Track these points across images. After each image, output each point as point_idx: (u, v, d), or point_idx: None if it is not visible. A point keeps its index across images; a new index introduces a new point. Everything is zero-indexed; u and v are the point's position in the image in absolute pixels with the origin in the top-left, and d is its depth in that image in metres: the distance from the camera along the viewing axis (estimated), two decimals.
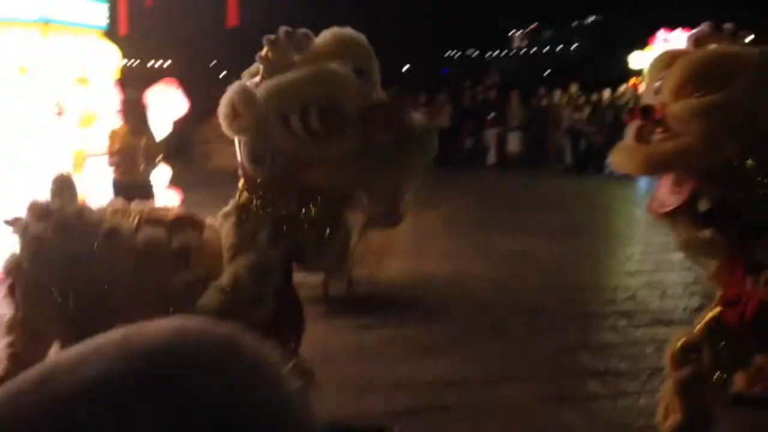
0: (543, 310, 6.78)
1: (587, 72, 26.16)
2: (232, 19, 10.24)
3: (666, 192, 3.79)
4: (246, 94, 3.12)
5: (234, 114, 3.13)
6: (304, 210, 3.23)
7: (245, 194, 3.38)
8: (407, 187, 3.35)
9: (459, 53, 60.38)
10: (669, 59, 3.78)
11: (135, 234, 3.42)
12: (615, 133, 16.60)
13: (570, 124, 17.87)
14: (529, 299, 7.08)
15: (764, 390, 4.46)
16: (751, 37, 3.96)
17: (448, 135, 16.58)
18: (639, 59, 17.74)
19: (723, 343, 3.85)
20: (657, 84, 3.76)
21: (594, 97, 17.67)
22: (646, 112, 3.72)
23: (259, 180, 3.28)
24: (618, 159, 3.93)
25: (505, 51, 50.21)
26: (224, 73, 22.28)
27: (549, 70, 35.97)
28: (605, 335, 6.12)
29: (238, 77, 3.38)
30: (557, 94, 18.68)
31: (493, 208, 11.61)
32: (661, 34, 16.22)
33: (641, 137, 3.74)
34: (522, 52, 50.03)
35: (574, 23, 51.61)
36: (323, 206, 3.24)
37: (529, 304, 6.91)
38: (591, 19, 51.26)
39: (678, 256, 8.31)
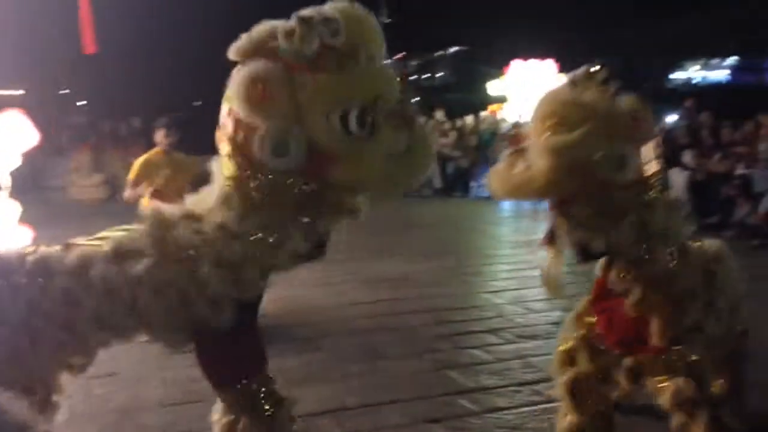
0: (416, 331, 6.89)
1: (452, 99, 26.93)
2: (89, 45, 9.91)
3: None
4: (286, 78, 2.92)
5: (263, 95, 2.90)
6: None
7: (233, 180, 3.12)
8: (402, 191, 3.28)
9: None
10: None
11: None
12: (479, 157, 17.29)
13: (437, 149, 18.25)
14: (403, 321, 7.18)
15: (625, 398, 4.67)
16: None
17: None
18: (497, 87, 18.41)
19: (596, 346, 4.18)
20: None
21: (458, 123, 18.21)
22: (516, 140, 4.00)
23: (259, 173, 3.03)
24: (488, 182, 4.11)
25: None
26: (83, 102, 21.49)
27: (416, 98, 36.68)
28: (475, 353, 6.27)
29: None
30: (423, 120, 19.06)
31: (366, 233, 11.67)
32: (516, 63, 16.91)
33: (509, 162, 3.93)
34: None
35: (438, 53, 52.97)
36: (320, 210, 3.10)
37: (403, 326, 7.02)
38: (454, 49, 52.77)
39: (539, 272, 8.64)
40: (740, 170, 12.48)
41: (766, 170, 11.52)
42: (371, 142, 2.97)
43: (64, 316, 3.14)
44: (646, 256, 3.81)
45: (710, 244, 4.37)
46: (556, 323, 5.98)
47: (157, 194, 7.28)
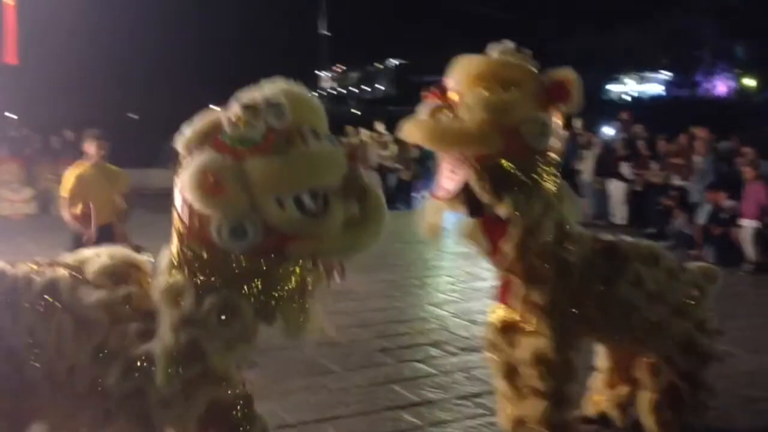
0: (358, 345, 6.78)
1: (393, 111, 26.99)
2: (10, 56, 9.59)
3: (445, 178, 4.24)
4: (236, 167, 2.96)
5: (215, 187, 2.93)
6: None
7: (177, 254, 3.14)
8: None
9: None
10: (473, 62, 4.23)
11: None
12: (420, 170, 17.30)
13: (378, 161, 18.28)
14: (345, 335, 7.03)
15: None
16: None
17: None
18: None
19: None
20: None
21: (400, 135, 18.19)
22: (443, 91, 4.18)
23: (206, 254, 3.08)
24: (409, 129, 4.24)
25: (313, 92, 51.06)
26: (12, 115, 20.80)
27: (356, 110, 36.78)
28: (418, 366, 6.19)
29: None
30: (364, 133, 19.07)
31: None
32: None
33: (433, 115, 4.15)
34: (329, 92, 51.01)
35: (379, 65, 53.25)
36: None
37: (344, 341, 6.88)
38: (394, 62, 53.16)
39: (483, 284, 8.65)
40: (676, 181, 12.72)
41: (700, 183, 11.73)
42: (326, 218, 3.05)
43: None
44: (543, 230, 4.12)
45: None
46: None
47: (88, 209, 7.06)
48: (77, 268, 3.27)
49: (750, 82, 57.10)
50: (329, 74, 51.56)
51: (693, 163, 12.24)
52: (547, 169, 4.17)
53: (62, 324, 3.09)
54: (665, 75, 62.81)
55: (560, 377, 4.29)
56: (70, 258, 3.39)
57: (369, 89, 53.15)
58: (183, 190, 3.06)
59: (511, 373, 4.50)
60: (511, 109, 4.01)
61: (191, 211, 3.09)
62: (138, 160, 22.12)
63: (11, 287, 3.15)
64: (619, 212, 14.73)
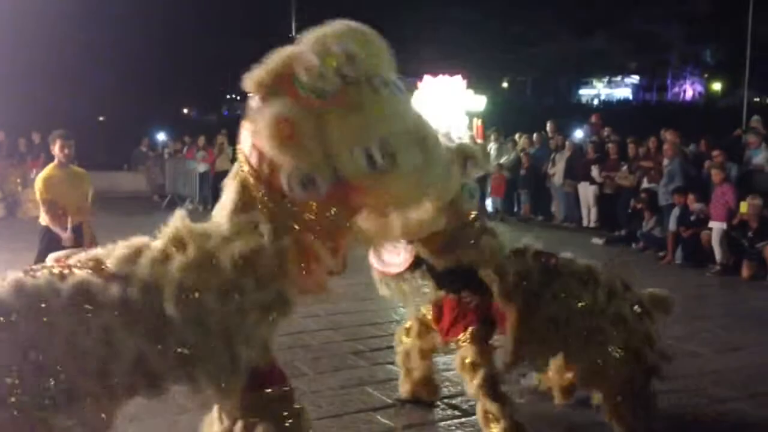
0: (330, 348, 6.77)
1: None
2: None
3: (388, 253, 4.63)
4: (312, 121, 2.97)
5: (291, 136, 2.94)
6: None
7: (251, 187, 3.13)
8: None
9: (239, 97, 60.05)
10: None
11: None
12: None
13: None
14: (318, 338, 7.05)
15: None
16: None
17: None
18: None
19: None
20: None
21: None
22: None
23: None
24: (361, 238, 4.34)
25: None
26: None
27: None
28: (391, 368, 6.18)
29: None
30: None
31: None
32: (427, 78, 17.08)
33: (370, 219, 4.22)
34: None
35: None
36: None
37: (317, 343, 6.88)
38: None
39: None
40: (645, 184, 12.86)
41: (668, 185, 11.86)
42: (394, 171, 3.04)
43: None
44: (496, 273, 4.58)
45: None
46: None
47: (54, 208, 7.00)
48: (97, 264, 3.13)
49: (717, 86, 57.84)
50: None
51: (663, 167, 12.38)
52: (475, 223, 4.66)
53: (108, 323, 2.97)
54: (634, 79, 63.49)
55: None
56: (83, 256, 3.22)
57: None
58: (256, 137, 3.03)
59: (408, 356, 5.35)
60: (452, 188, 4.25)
61: (261, 157, 3.07)
62: (107, 164, 21.97)
63: (36, 298, 2.94)
64: (590, 215, 14.86)
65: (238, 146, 3.24)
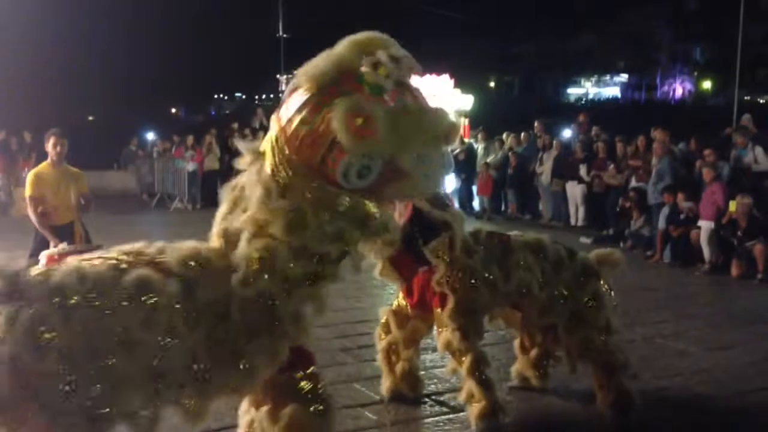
0: (318, 344, 6.72)
1: None
2: None
3: None
4: (385, 116, 3.18)
5: (365, 130, 3.12)
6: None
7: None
8: None
9: (227, 96, 59.97)
10: None
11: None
12: None
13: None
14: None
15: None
16: None
17: (216, 177, 16.38)
18: None
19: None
20: None
21: None
22: None
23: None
24: None
25: (272, 94, 50.79)
26: None
27: None
28: (378, 366, 6.17)
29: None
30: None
31: None
32: (414, 77, 17.13)
33: None
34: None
35: None
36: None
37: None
38: None
39: None
40: (634, 183, 12.88)
41: (658, 184, 11.88)
42: (429, 163, 3.43)
43: None
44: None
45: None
46: None
47: (37, 205, 6.97)
48: (155, 261, 3.27)
49: (707, 84, 58.00)
50: (288, 77, 51.16)
51: (651, 165, 12.40)
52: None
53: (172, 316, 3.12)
54: (623, 78, 63.67)
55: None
56: (143, 249, 3.36)
57: None
58: (334, 127, 3.15)
59: (390, 351, 5.43)
60: None
61: (301, 145, 3.27)
62: (97, 163, 21.89)
63: (100, 287, 3.05)
64: (578, 214, 14.88)
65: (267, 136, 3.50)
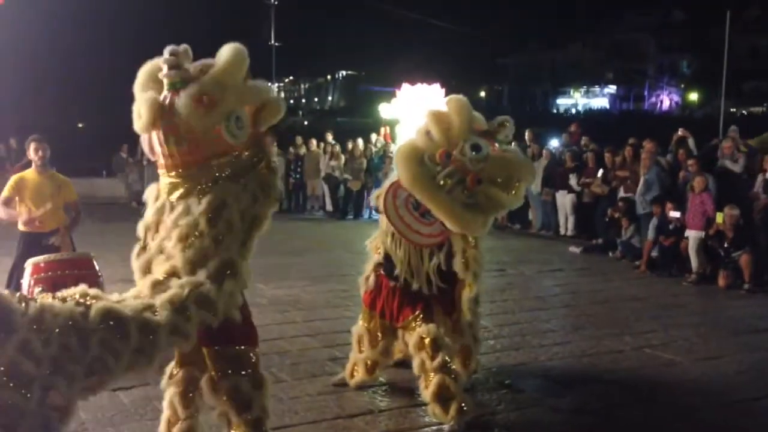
0: (307, 354, 6.75)
1: (342, 122, 26.97)
2: None
3: (421, 225, 5.17)
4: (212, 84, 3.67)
5: (210, 101, 3.62)
6: None
7: None
8: None
9: None
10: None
11: None
12: (371, 179, 17.32)
13: (327, 171, 18.28)
14: (295, 344, 7.03)
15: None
16: None
17: None
18: (387, 110, 18.47)
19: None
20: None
21: (349, 145, 18.17)
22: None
23: None
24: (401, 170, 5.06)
25: None
26: None
27: (306, 120, 36.61)
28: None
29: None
30: (314, 142, 19.04)
31: (258, 255, 11.46)
32: (405, 87, 17.09)
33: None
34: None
35: (328, 77, 53.01)
36: None
37: (294, 350, 6.86)
38: (343, 73, 53.01)
39: None
40: (622, 193, 12.91)
41: (646, 195, 11.92)
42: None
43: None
44: None
45: None
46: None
47: (9, 204, 6.95)
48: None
49: (693, 96, 58.33)
50: (279, 85, 51.20)
51: (638, 176, 12.43)
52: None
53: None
54: (611, 89, 64.01)
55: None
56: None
57: (318, 100, 52.91)
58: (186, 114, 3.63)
59: (370, 367, 5.74)
60: None
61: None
62: (86, 170, 21.81)
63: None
64: (567, 223, 14.91)
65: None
